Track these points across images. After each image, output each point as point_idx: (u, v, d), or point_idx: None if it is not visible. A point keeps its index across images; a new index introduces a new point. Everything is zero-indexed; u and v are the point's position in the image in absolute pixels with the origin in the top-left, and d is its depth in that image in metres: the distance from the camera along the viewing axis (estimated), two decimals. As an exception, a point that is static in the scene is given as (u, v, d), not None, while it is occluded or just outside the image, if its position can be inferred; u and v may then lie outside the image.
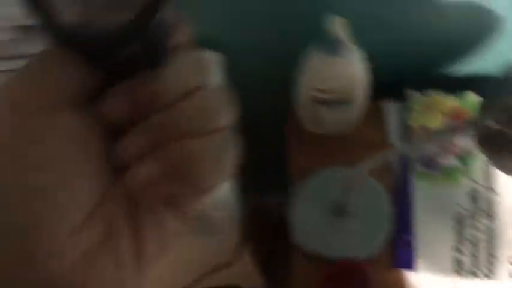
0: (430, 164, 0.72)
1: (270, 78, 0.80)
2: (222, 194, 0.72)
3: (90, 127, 0.20)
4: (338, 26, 0.57)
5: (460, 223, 0.68)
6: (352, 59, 0.61)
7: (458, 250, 0.67)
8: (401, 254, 0.68)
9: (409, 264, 0.67)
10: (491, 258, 0.66)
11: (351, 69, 0.62)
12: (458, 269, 0.66)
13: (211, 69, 0.21)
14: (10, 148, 0.18)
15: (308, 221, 0.70)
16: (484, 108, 0.49)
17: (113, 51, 0.18)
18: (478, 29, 0.74)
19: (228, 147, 0.21)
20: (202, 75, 0.21)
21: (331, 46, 0.59)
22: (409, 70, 0.78)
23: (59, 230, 0.19)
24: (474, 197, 0.70)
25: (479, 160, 0.71)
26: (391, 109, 0.77)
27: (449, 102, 0.75)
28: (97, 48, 0.18)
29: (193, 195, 0.22)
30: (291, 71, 0.68)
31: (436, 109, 0.75)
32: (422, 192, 0.70)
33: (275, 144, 0.85)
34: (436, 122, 0.75)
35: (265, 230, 1.15)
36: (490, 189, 0.70)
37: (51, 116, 0.19)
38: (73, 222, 0.19)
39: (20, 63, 0.19)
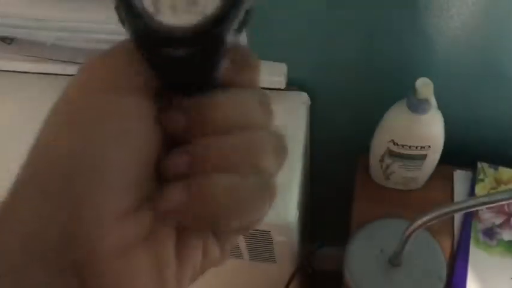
0: (490, 234, 0.74)
1: (350, 129, 0.86)
2: (288, 220, 0.77)
3: (151, 117, 0.19)
4: (424, 87, 0.62)
5: (513, 298, 0.69)
6: (432, 119, 0.66)
7: (508, 324, 0.67)
8: (449, 316, 0.69)
9: (455, 328, 0.68)
10: (541, 339, 0.66)
11: (430, 129, 0.67)
12: None
13: (273, 114, 0.21)
14: (70, 124, 0.18)
15: (363, 267, 0.73)
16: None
17: (172, 50, 0.18)
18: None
19: (260, 197, 0.20)
20: (264, 117, 0.21)
21: (415, 104, 0.64)
22: (484, 143, 0.82)
23: (107, 212, 0.18)
24: (531, 275, 0.70)
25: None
26: (460, 176, 0.80)
27: (519, 180, 0.78)
28: (156, 43, 0.18)
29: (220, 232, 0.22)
30: (371, 125, 0.73)
31: (504, 184, 0.78)
32: (478, 260, 0.72)
33: (341, 192, 0.90)
34: (502, 197, 0.77)
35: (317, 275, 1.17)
36: (549, 271, 0.71)
37: (119, 96, 0.19)
38: (122, 207, 0.18)
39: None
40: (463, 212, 0.57)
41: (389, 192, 0.81)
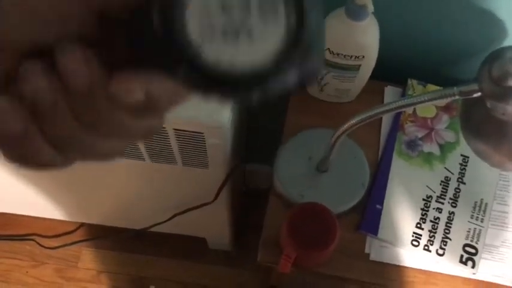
0: (412, 146, 0.78)
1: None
2: (221, 122, 0.76)
3: None
4: (364, -6, 0.62)
5: (426, 203, 0.74)
6: (369, 27, 0.67)
7: (419, 227, 0.73)
8: (368, 219, 0.73)
9: (373, 230, 0.73)
10: (447, 239, 0.72)
11: (366, 37, 0.68)
12: (416, 243, 0.72)
13: None
14: None
15: (291, 172, 0.76)
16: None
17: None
18: (487, 38, 0.79)
19: None
20: None
21: (353, 10, 0.64)
22: (416, 60, 0.84)
23: None
24: (445, 184, 0.76)
25: (458, 152, 0.78)
26: (390, 92, 0.83)
27: (444, 98, 0.81)
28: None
29: None
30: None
31: (431, 102, 0.81)
32: (399, 169, 0.76)
33: (275, 108, 0.90)
34: (428, 113, 0.81)
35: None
36: (460, 180, 0.76)
37: None
38: None
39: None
40: (379, 116, 0.59)
41: (322, 104, 0.82)
